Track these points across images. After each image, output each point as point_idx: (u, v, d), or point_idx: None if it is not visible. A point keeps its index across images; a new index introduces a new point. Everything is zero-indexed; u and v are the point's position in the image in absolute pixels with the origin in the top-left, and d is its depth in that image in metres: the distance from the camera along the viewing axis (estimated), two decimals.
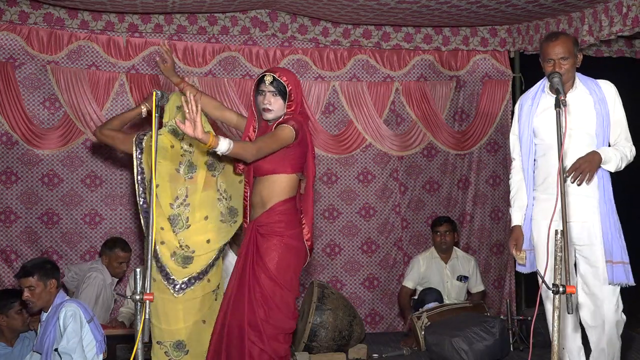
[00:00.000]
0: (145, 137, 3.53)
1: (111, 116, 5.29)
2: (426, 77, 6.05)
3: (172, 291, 3.43)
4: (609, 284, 3.27)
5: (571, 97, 3.34)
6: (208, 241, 3.50)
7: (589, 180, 3.22)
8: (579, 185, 3.22)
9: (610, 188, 3.33)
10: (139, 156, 3.45)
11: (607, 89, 3.38)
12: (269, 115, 3.40)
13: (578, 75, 3.42)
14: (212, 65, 5.61)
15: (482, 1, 4.96)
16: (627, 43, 6.10)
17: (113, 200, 5.44)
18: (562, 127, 2.77)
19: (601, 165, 3.26)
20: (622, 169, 3.33)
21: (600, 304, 3.30)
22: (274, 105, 3.37)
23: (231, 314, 3.26)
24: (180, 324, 3.44)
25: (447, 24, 5.77)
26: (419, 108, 6.00)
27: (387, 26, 5.80)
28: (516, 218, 3.51)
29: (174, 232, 3.42)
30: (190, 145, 3.54)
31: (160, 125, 3.41)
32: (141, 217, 3.47)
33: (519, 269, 3.55)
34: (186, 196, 3.46)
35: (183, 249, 3.44)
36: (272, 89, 3.36)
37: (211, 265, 3.53)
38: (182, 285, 3.44)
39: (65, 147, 5.34)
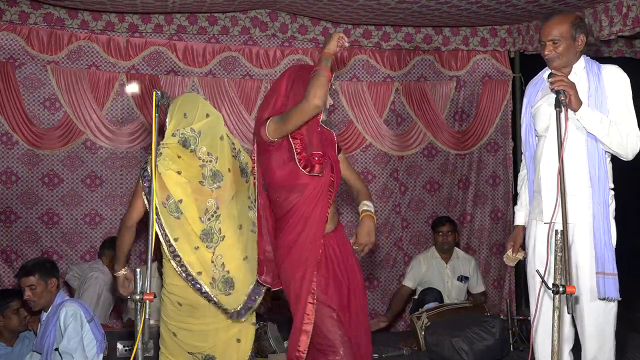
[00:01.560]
0: (148, 163, 3.15)
1: (110, 122, 5.34)
2: (426, 77, 6.05)
3: (224, 316, 3.19)
4: (599, 298, 2.95)
5: None
6: (245, 258, 3.21)
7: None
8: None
9: (608, 189, 3.00)
10: (146, 184, 3.10)
11: (608, 76, 3.04)
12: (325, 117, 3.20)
13: (584, 59, 3.10)
14: (212, 65, 5.61)
15: (482, 1, 4.96)
16: (627, 43, 6.10)
17: (113, 200, 5.45)
18: (562, 128, 2.73)
19: (578, 119, 2.91)
20: (612, 147, 2.95)
21: (589, 322, 3.00)
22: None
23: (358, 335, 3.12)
24: (210, 341, 3.21)
25: (447, 24, 5.76)
26: (419, 108, 6.00)
27: (387, 26, 5.80)
28: (518, 217, 3.29)
29: (207, 247, 3.13)
30: (209, 154, 3.18)
31: (162, 133, 3.13)
32: (162, 242, 3.12)
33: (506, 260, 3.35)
34: (217, 207, 3.15)
35: (218, 269, 3.14)
36: None
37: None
38: (236, 313, 3.21)
39: (65, 147, 5.34)
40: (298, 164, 2.95)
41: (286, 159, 2.97)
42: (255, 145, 3.07)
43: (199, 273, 3.11)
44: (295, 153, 2.95)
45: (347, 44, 3.02)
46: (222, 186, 3.17)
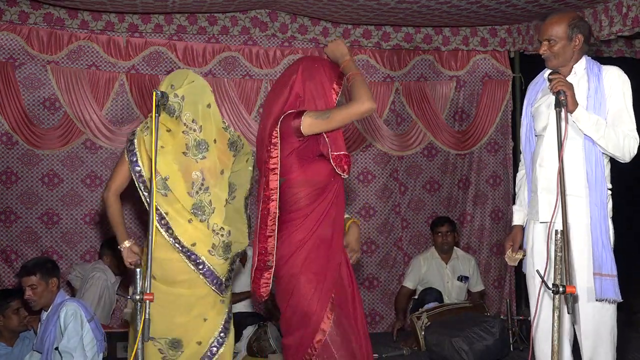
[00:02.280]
0: (135, 135, 3.13)
1: (110, 122, 5.34)
2: (426, 77, 6.05)
3: (217, 292, 3.13)
4: (596, 300, 2.93)
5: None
6: (229, 233, 3.16)
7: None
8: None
9: (605, 189, 2.98)
10: (134, 159, 3.08)
11: (608, 76, 3.01)
12: None
13: (586, 59, 3.07)
14: (212, 65, 5.61)
15: (482, 1, 4.96)
16: (627, 43, 6.10)
17: None
18: (562, 128, 2.74)
19: (574, 121, 2.90)
20: (608, 149, 2.94)
21: (584, 322, 2.99)
22: None
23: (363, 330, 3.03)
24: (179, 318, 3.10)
25: (447, 24, 5.77)
26: (419, 108, 6.01)
27: (387, 26, 5.80)
28: (516, 217, 3.27)
29: (201, 220, 3.06)
30: (193, 120, 3.10)
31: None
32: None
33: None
34: (203, 179, 3.09)
35: (219, 234, 3.09)
36: None
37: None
38: (227, 283, 3.17)
39: (65, 147, 5.34)
40: (332, 162, 2.91)
41: (314, 154, 2.92)
42: (272, 139, 2.93)
43: (194, 244, 3.05)
44: (330, 151, 2.91)
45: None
46: (207, 157, 3.10)
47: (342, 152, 2.93)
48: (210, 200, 3.09)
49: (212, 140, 3.13)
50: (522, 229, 3.24)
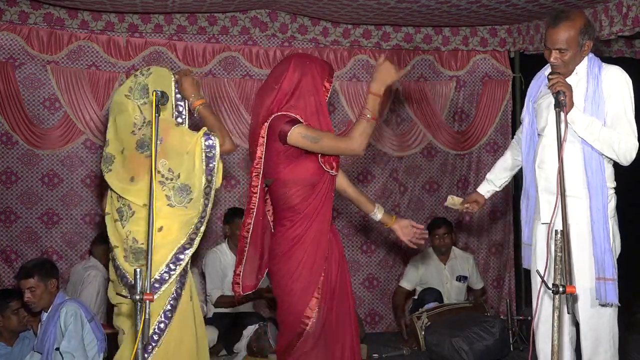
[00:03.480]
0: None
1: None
2: (426, 77, 6.05)
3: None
4: (600, 304, 2.93)
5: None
6: (160, 229, 2.91)
7: None
8: None
9: (606, 192, 2.96)
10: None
11: (608, 77, 2.98)
12: None
13: (587, 58, 3.04)
14: (212, 65, 5.61)
15: (482, 1, 4.96)
16: (627, 43, 6.10)
17: None
18: (562, 128, 2.74)
19: (569, 123, 2.87)
20: (604, 152, 2.94)
21: (584, 324, 3.00)
22: None
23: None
24: None
25: (447, 24, 5.77)
26: (418, 108, 6.00)
27: (387, 26, 5.80)
28: (481, 186, 3.63)
29: (122, 226, 2.95)
30: (107, 139, 3.03)
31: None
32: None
33: (524, 265, 3.38)
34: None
35: (131, 243, 2.94)
36: None
37: (180, 272, 2.95)
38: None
39: (65, 147, 5.34)
40: (320, 160, 2.93)
41: (302, 153, 2.92)
42: (260, 136, 2.93)
43: (116, 247, 3.00)
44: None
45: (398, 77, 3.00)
46: (112, 169, 3.00)
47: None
48: (129, 205, 2.99)
49: (119, 151, 3.02)
50: (483, 197, 3.62)
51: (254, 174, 2.98)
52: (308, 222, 2.95)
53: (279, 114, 2.91)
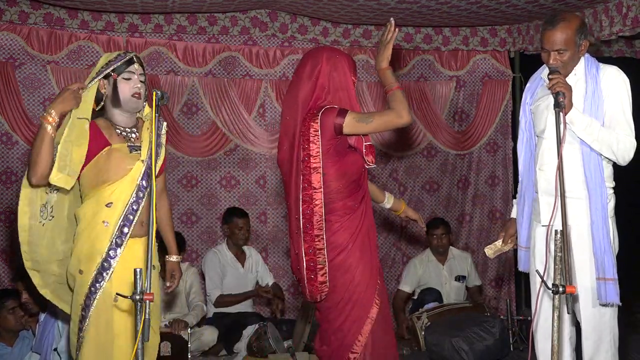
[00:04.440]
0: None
1: None
2: (426, 77, 6.05)
3: None
4: (600, 304, 2.93)
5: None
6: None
7: None
8: None
9: (605, 192, 2.96)
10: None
11: (606, 77, 2.98)
12: None
13: (584, 58, 3.05)
14: (212, 65, 5.61)
15: (482, 1, 4.96)
16: (627, 43, 6.10)
17: None
18: (561, 128, 2.73)
19: (568, 122, 2.86)
20: (603, 152, 2.93)
21: (586, 324, 2.99)
22: None
23: None
24: None
25: (447, 24, 5.77)
26: (418, 108, 6.00)
27: None
28: (513, 211, 3.30)
29: None
30: None
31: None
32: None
33: (520, 268, 3.34)
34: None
35: None
36: None
37: None
38: None
39: None
40: (364, 151, 2.97)
41: (346, 146, 2.96)
42: (310, 135, 2.93)
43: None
44: (363, 142, 2.97)
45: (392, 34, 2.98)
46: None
47: (370, 142, 3.01)
48: None
49: None
50: (516, 223, 3.24)
51: (312, 169, 2.93)
52: (361, 215, 2.99)
53: (326, 107, 2.94)
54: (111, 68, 2.93)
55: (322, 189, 2.94)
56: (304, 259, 2.95)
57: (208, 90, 5.59)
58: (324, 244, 2.94)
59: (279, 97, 5.73)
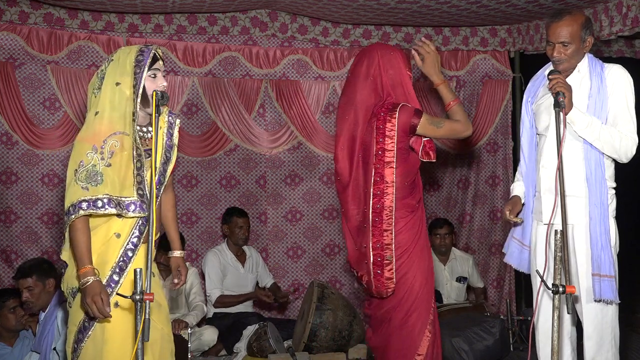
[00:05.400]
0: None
1: None
2: (426, 77, 6.04)
3: None
4: (595, 300, 2.95)
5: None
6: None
7: None
8: None
9: (606, 189, 2.98)
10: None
11: (611, 75, 3.01)
12: None
13: (588, 57, 3.09)
14: (212, 65, 5.61)
15: (482, 1, 4.96)
16: (627, 43, 6.10)
17: None
18: (561, 128, 2.74)
19: (568, 121, 2.89)
20: (605, 150, 2.95)
21: (587, 323, 3.01)
22: None
23: None
24: None
25: (447, 24, 5.76)
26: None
27: (387, 26, 5.80)
28: (514, 189, 3.26)
29: None
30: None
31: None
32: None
33: (506, 259, 3.35)
34: None
35: None
36: None
37: None
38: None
39: (65, 147, 5.34)
40: (425, 148, 3.05)
41: (408, 145, 3.03)
42: (386, 130, 2.98)
43: None
44: (422, 141, 3.04)
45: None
46: None
47: (428, 139, 3.10)
48: None
49: None
50: (521, 200, 3.23)
51: (385, 163, 2.96)
52: (421, 212, 3.08)
53: (402, 104, 3.00)
54: (145, 68, 2.73)
55: (394, 184, 2.95)
56: (371, 254, 2.94)
57: (208, 90, 5.59)
58: (392, 239, 2.94)
59: (278, 97, 5.73)
